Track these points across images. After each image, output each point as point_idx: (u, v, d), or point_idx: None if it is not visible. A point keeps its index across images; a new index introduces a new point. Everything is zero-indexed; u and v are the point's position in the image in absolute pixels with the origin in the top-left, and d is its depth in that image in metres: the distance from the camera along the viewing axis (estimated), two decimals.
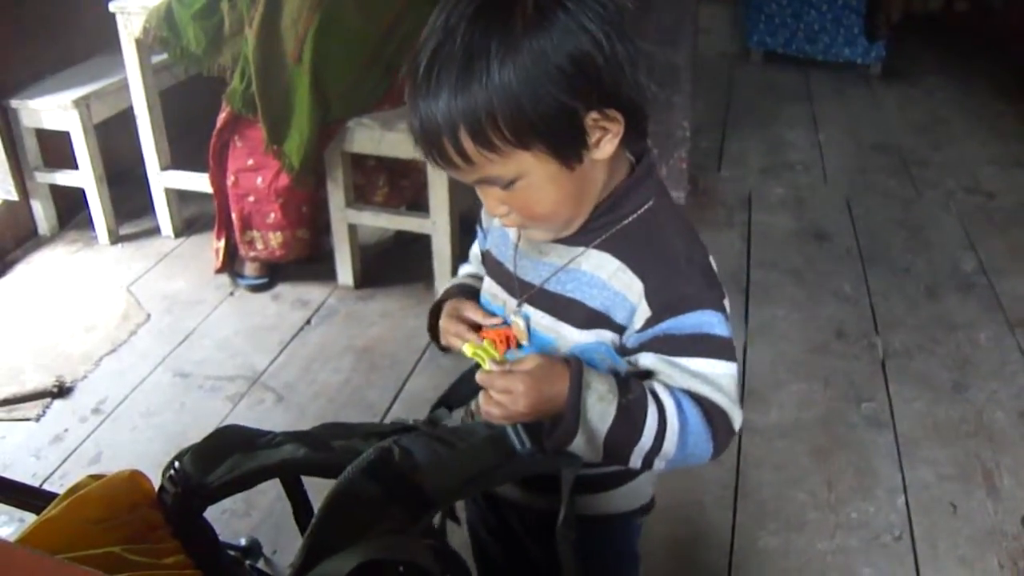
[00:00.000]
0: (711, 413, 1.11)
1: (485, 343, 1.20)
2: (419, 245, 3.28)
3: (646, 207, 1.17)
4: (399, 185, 3.38)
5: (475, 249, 1.46)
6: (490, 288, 1.32)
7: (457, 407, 1.36)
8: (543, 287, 1.21)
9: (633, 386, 1.11)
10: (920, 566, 2.15)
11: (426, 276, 3.24)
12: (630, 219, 1.16)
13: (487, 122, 1.01)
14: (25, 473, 2.38)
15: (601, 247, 1.16)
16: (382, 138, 2.94)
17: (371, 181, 3.30)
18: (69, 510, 1.06)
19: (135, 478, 1.12)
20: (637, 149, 1.18)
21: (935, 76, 5.63)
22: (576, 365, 1.11)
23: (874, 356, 2.92)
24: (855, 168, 4.39)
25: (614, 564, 1.47)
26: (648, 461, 1.12)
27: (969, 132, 4.84)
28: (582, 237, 1.17)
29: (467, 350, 1.20)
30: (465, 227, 3.16)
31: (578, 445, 1.10)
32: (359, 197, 3.24)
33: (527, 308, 1.23)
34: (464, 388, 1.34)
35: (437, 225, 3.08)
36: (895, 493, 2.37)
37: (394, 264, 3.49)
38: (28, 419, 2.63)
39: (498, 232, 1.31)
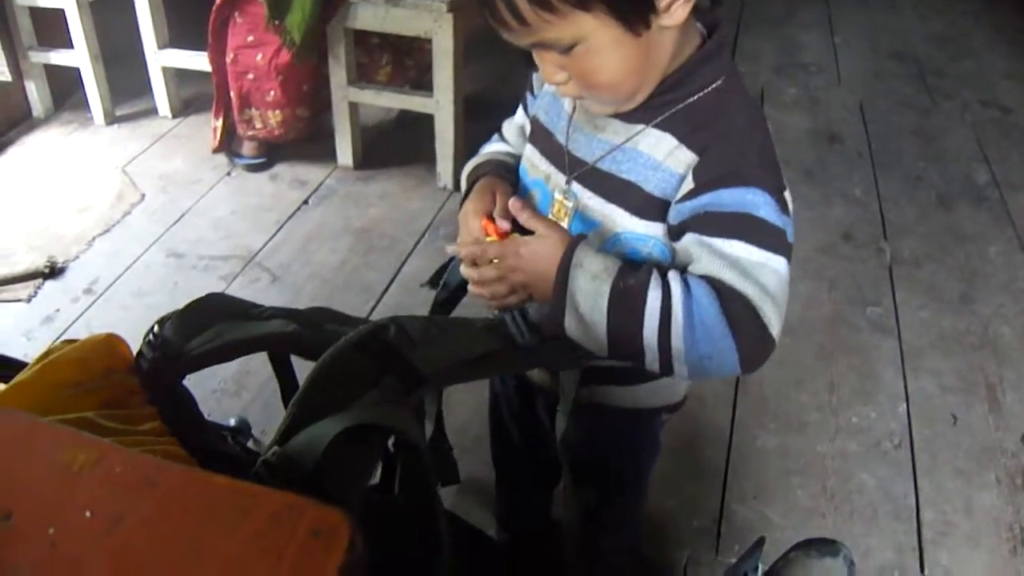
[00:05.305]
0: (730, 304, 0.96)
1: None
2: (421, 126, 3.23)
3: (714, 86, 1.05)
4: (403, 64, 3.30)
5: (516, 118, 1.36)
6: (531, 157, 1.23)
7: (454, 307, 1.31)
8: (596, 165, 1.11)
9: (640, 270, 1.00)
10: (918, 475, 2.13)
11: (428, 158, 3.20)
12: (696, 97, 1.05)
13: None
14: (16, 354, 2.31)
15: (661, 126, 1.06)
16: (387, 15, 2.86)
17: (374, 59, 3.23)
18: (41, 374, 1.01)
19: (111, 341, 1.06)
20: (709, 20, 1.08)
21: None
22: (572, 241, 1.03)
23: (882, 261, 2.89)
24: (870, 73, 4.31)
25: (635, 454, 1.43)
26: (665, 362, 0.99)
27: (988, 46, 4.74)
28: (642, 114, 1.06)
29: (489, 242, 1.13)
30: (469, 110, 3.11)
31: (573, 330, 1.02)
32: (361, 75, 3.17)
33: (575, 186, 1.14)
34: (457, 292, 1.30)
35: (441, 105, 3.02)
36: (897, 400, 2.34)
37: (395, 145, 3.45)
38: (19, 300, 2.60)
39: (550, 99, 1.21)
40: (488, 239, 1.13)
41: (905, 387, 2.38)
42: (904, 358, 2.48)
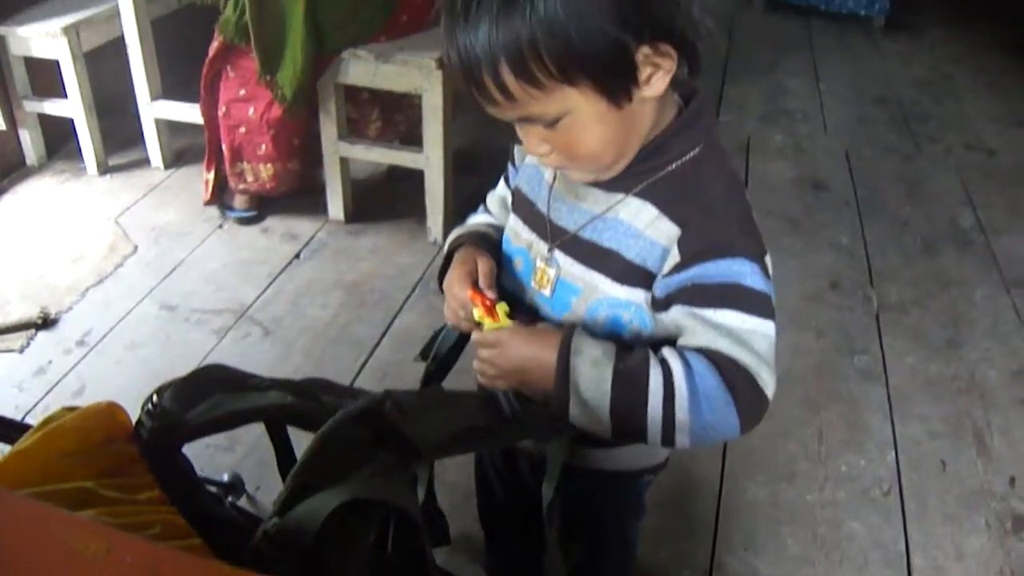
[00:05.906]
0: (730, 373, 1.00)
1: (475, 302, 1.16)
2: (411, 181, 3.25)
3: (692, 154, 1.09)
4: (393, 119, 3.32)
5: (499, 190, 1.39)
6: (515, 226, 1.26)
7: (445, 374, 1.35)
8: (578, 234, 1.15)
9: (635, 351, 1.04)
10: (908, 522, 2.14)
11: (418, 212, 3.21)
12: (674, 166, 1.09)
13: (530, 55, 0.94)
14: (7, 405, 2.35)
15: (641, 195, 1.09)
16: (377, 70, 2.89)
17: (364, 114, 3.25)
18: (41, 442, 1.01)
19: (111, 410, 1.08)
20: (687, 91, 1.11)
21: (938, 30, 5.58)
22: (567, 331, 1.07)
23: (868, 308, 2.90)
24: (855, 119, 4.35)
25: (617, 515, 1.45)
26: (668, 436, 1.02)
27: (971, 88, 4.79)
28: (622, 183, 1.10)
29: (476, 313, 1.16)
30: (459, 164, 3.14)
31: (577, 417, 1.05)
32: (352, 130, 3.19)
33: (557, 254, 1.17)
34: (446, 361, 1.34)
35: (430, 160, 3.04)
36: (885, 448, 2.35)
37: (385, 199, 3.45)
38: (11, 350, 2.59)
39: (532, 169, 1.24)
40: (475, 309, 1.16)
41: (893, 434, 2.39)
42: (892, 405, 2.49)
